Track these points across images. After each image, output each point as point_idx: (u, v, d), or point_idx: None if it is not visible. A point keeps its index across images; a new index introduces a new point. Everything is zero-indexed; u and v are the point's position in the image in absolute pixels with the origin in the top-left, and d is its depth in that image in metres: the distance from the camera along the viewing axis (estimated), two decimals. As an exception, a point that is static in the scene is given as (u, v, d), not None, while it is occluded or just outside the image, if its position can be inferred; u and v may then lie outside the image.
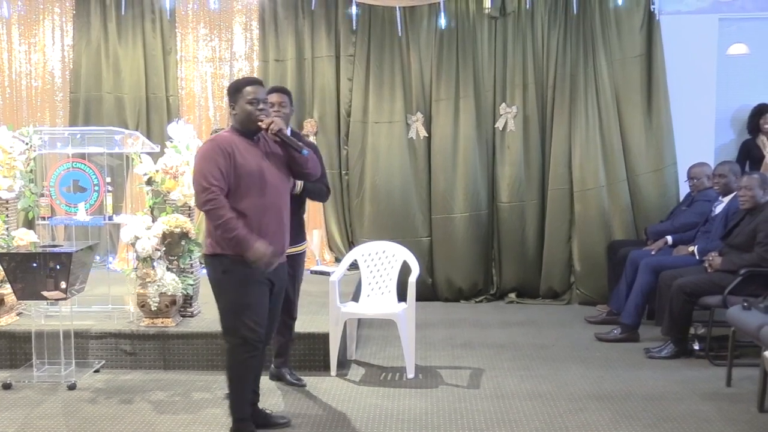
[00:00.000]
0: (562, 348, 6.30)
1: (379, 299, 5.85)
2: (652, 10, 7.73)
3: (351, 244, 7.92)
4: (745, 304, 5.19)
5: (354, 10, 7.92)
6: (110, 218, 6.13)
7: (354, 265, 6.02)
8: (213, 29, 8.35)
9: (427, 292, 7.78)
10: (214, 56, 8.37)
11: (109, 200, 6.16)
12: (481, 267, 7.96)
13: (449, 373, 5.61)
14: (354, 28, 7.99)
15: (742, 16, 7.97)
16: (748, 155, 7.62)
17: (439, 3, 7.79)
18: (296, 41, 8.16)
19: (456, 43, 7.89)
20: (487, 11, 7.82)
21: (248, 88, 4.23)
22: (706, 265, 6.03)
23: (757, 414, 4.77)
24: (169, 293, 5.71)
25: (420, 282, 5.73)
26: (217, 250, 4.17)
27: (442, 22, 7.82)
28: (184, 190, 5.88)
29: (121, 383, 5.36)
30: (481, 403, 4.98)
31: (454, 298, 7.98)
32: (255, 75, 8.25)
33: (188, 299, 6.01)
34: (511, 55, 7.88)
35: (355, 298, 6.17)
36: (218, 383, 5.31)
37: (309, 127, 8.07)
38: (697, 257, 6.33)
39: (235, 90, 4.25)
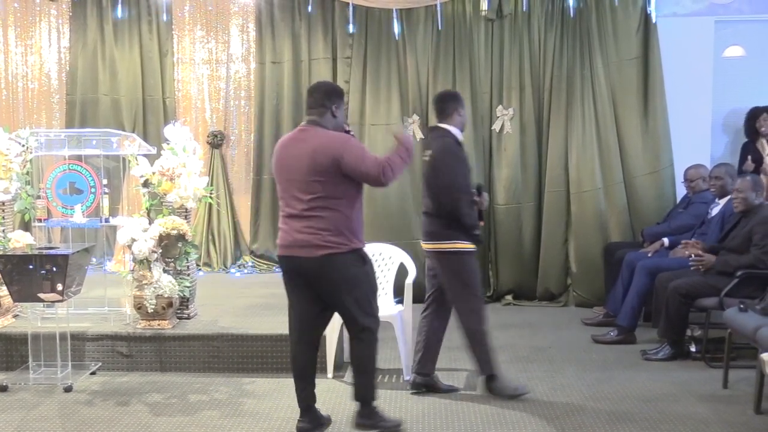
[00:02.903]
0: (558, 350, 6.30)
1: (376, 301, 5.84)
2: (648, 12, 7.74)
3: (348, 246, 7.91)
4: (742, 305, 5.20)
5: (350, 12, 7.91)
6: (107, 220, 6.12)
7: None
8: (210, 31, 8.37)
9: (423, 294, 7.73)
10: (210, 58, 8.39)
11: (105, 202, 6.14)
12: (478, 269, 7.93)
13: (446, 375, 5.59)
14: (351, 30, 7.99)
15: (738, 19, 7.98)
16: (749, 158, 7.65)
17: (435, 5, 7.80)
18: (293, 43, 8.18)
19: (453, 45, 7.90)
20: (483, 13, 7.84)
21: None
22: (690, 257, 6.06)
23: (754, 416, 4.77)
24: (166, 295, 5.70)
25: (416, 284, 5.72)
26: (357, 245, 4.37)
27: (439, 24, 7.82)
28: (181, 192, 5.88)
29: (117, 385, 5.36)
30: (478, 405, 4.98)
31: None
32: (252, 77, 8.27)
33: (185, 301, 6.01)
34: (507, 58, 7.89)
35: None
36: (214, 385, 5.32)
37: (306, 129, 8.07)
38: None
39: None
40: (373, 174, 4.32)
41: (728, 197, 6.36)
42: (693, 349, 6.01)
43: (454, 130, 5.15)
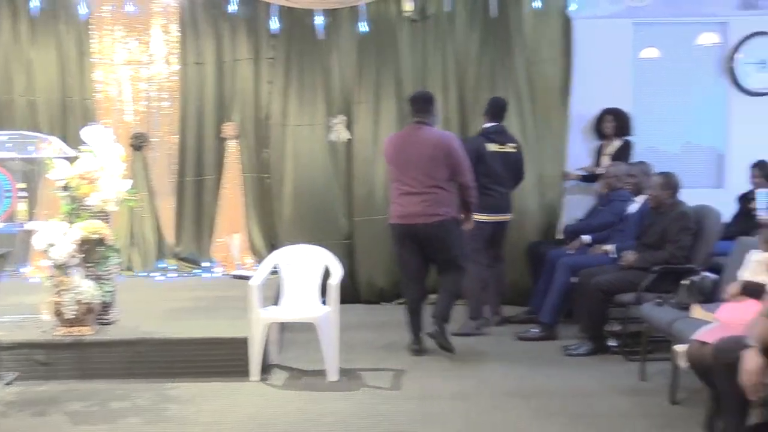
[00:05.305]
0: (483, 347, 6.37)
1: (301, 303, 5.83)
2: (568, 14, 7.87)
3: (272, 248, 7.85)
4: (658, 300, 5.35)
5: (274, 13, 7.86)
6: (24, 225, 5.96)
7: (276, 269, 5.99)
8: (131, 31, 8.19)
9: (349, 295, 7.71)
10: (131, 59, 8.21)
11: (22, 207, 5.99)
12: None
13: (372, 375, 5.62)
14: (274, 30, 7.93)
15: (655, 21, 8.18)
16: (598, 159, 7.93)
17: (359, 6, 7.80)
18: (216, 44, 8.08)
19: (377, 45, 7.91)
20: (407, 14, 7.87)
21: None
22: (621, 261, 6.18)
23: (670, 406, 4.91)
24: (86, 301, 5.58)
25: (342, 285, 5.72)
26: (457, 214, 6.10)
27: (363, 24, 7.83)
28: (102, 195, 5.76)
29: (35, 395, 5.19)
30: (404, 404, 5.00)
31: (375, 300, 7.98)
32: (176, 78, 8.15)
33: (106, 306, 5.89)
34: (431, 58, 7.94)
35: (277, 301, 6.13)
36: (137, 391, 5.23)
37: (228, 130, 8.00)
38: (614, 256, 6.46)
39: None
40: (465, 177, 6.04)
41: (645, 195, 6.52)
42: (612, 343, 6.14)
43: None
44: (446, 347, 6.00)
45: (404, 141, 6.07)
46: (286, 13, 7.92)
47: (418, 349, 6.11)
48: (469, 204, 6.17)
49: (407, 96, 7.81)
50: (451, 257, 6.08)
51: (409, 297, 6.24)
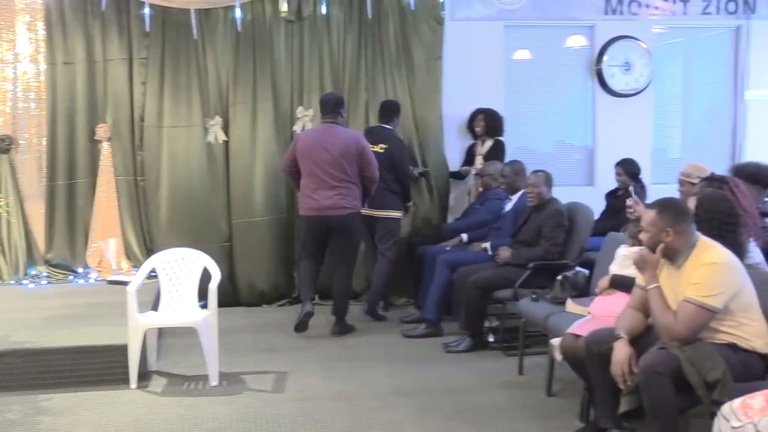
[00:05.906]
0: (365, 347, 6.41)
1: (180, 307, 5.72)
2: (443, 16, 8.01)
3: (149, 252, 7.67)
4: (534, 296, 5.52)
5: (147, 11, 7.67)
6: None
7: (153, 274, 5.86)
8: (-7, 29, 7.85)
9: (229, 298, 7.63)
10: (-5, 58, 7.87)
11: None
12: (283, 271, 7.92)
13: (254, 379, 5.58)
14: (147, 30, 7.74)
15: (525, 24, 8.42)
16: (472, 158, 8.12)
17: (234, 6, 7.71)
18: (86, 43, 7.79)
19: (253, 46, 7.83)
20: (283, 15, 7.83)
21: None
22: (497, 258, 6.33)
23: (546, 398, 5.08)
24: (-50, 312, 5.32)
25: (222, 288, 5.65)
26: (361, 209, 6.72)
27: (238, 25, 7.74)
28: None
29: None
30: (286, 407, 4.99)
31: (256, 303, 7.89)
32: (42, 78, 7.84)
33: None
34: (307, 59, 7.91)
35: (155, 307, 6.00)
36: (7, 405, 5.01)
37: (101, 132, 7.76)
38: (490, 253, 6.61)
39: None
40: (375, 172, 6.62)
41: (519, 193, 6.71)
42: (491, 339, 6.29)
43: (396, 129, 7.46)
44: (349, 330, 6.85)
45: (318, 138, 6.59)
46: (159, 12, 7.74)
47: (305, 319, 6.53)
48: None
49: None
50: (351, 250, 6.78)
51: (305, 268, 6.86)
